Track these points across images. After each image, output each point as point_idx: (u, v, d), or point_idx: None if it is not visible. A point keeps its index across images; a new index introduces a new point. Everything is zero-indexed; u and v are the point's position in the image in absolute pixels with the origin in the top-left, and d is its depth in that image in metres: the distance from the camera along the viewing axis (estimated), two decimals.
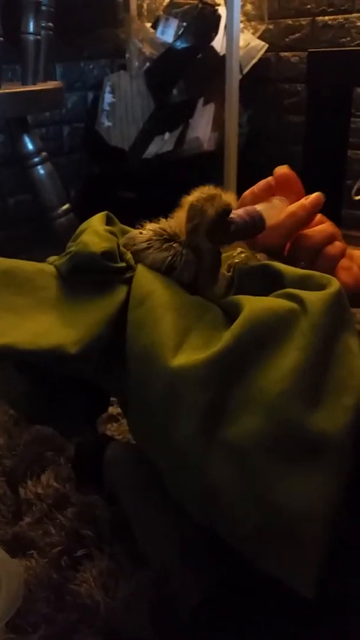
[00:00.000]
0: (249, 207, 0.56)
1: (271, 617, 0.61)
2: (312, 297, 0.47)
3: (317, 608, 0.59)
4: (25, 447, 0.93)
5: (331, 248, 0.58)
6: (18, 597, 0.53)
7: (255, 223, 0.56)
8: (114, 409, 1.02)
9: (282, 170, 0.61)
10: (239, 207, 0.59)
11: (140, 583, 0.67)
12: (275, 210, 0.59)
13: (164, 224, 0.57)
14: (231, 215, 0.54)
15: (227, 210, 0.53)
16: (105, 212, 0.60)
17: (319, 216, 0.61)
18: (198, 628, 0.61)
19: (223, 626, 0.61)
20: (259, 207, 0.57)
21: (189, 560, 0.65)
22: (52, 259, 0.59)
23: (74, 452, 0.89)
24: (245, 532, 0.45)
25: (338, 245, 0.59)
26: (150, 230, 0.57)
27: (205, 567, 0.64)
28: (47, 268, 0.57)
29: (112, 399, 0.98)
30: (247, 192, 0.62)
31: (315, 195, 0.60)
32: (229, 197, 0.54)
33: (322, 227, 0.59)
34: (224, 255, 0.61)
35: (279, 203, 0.60)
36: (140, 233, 0.57)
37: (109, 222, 0.60)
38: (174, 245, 0.55)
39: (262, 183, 0.61)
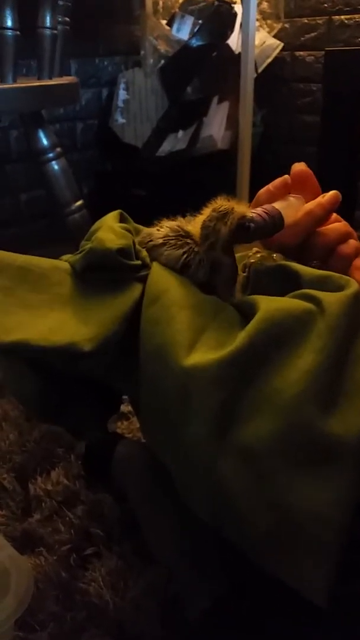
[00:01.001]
0: (268, 206, 0.55)
1: (280, 622, 0.60)
2: (329, 298, 0.47)
3: (327, 613, 0.58)
4: (36, 444, 0.93)
5: (345, 247, 0.57)
6: (28, 594, 0.53)
7: (275, 222, 0.55)
8: (124, 407, 1.02)
9: (299, 167, 0.60)
10: (254, 206, 0.58)
11: (149, 583, 0.67)
12: (292, 209, 0.58)
13: (181, 222, 0.57)
14: (250, 215, 0.53)
15: (241, 224, 0.52)
16: (119, 211, 0.59)
17: (334, 215, 0.60)
18: (206, 632, 0.61)
19: (231, 631, 0.61)
20: (277, 205, 0.57)
21: (198, 563, 0.64)
22: (65, 257, 0.58)
23: (84, 449, 0.89)
24: (256, 537, 0.44)
25: (353, 244, 0.58)
26: (167, 227, 0.56)
27: (213, 570, 0.63)
28: (62, 265, 0.56)
29: (123, 397, 0.98)
30: (262, 190, 0.60)
31: (332, 193, 0.58)
32: (242, 208, 0.53)
33: (336, 225, 0.58)
34: (239, 255, 0.61)
35: (295, 201, 0.59)
36: (158, 230, 0.56)
37: (122, 220, 0.59)
38: (190, 243, 0.55)
39: (278, 181, 0.60)
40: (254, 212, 0.54)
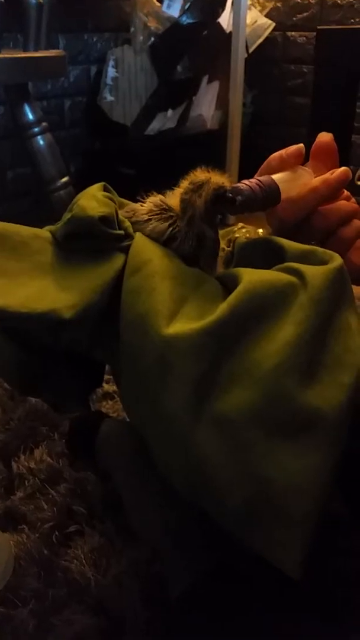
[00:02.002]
0: (264, 177, 0.54)
1: (265, 602, 0.60)
2: (312, 272, 0.46)
3: (310, 593, 0.59)
4: (19, 422, 0.92)
5: (346, 230, 0.55)
6: (8, 570, 0.53)
7: (269, 195, 0.53)
8: (109, 387, 1.02)
9: (325, 138, 0.57)
10: (263, 170, 0.56)
11: (131, 561, 0.67)
12: (298, 182, 0.55)
13: (164, 197, 0.56)
14: (240, 185, 0.52)
15: (226, 196, 0.52)
16: (102, 183, 0.58)
17: (345, 193, 0.57)
18: (188, 610, 0.61)
19: (214, 610, 0.61)
20: (277, 176, 0.55)
21: (181, 541, 0.64)
22: (47, 228, 0.57)
23: (68, 428, 0.88)
24: (231, 507, 0.44)
25: (355, 226, 0.56)
26: (151, 202, 0.56)
27: (196, 549, 0.63)
28: (42, 233, 0.55)
29: (107, 376, 0.98)
30: (275, 155, 0.58)
31: (341, 170, 0.56)
32: (220, 179, 0.52)
33: (340, 205, 0.56)
34: (224, 230, 0.60)
35: (304, 174, 0.56)
36: (141, 205, 0.56)
37: (106, 193, 0.58)
38: (174, 216, 0.54)
39: (292, 149, 0.57)
40: (244, 183, 0.52)
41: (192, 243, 0.53)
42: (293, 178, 0.55)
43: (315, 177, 0.56)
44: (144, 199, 0.56)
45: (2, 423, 0.93)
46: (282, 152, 0.57)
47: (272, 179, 0.54)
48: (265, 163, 0.58)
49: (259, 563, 0.46)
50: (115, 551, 0.69)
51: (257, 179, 0.53)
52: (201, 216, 0.52)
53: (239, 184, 0.53)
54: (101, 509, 0.76)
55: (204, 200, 0.52)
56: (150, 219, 0.54)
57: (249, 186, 0.52)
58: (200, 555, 0.63)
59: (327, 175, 0.56)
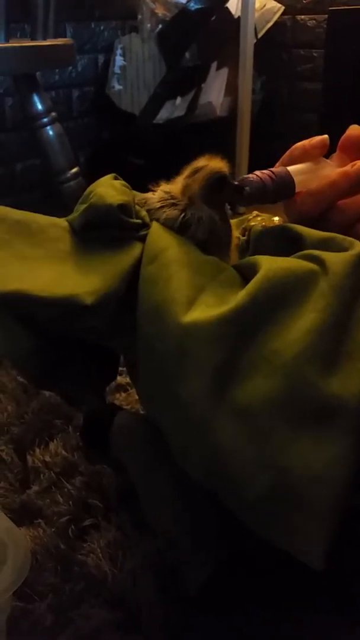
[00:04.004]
0: (279, 168, 0.53)
1: (282, 591, 0.60)
2: (333, 258, 0.45)
3: (327, 585, 0.58)
4: (34, 415, 0.92)
5: None
6: (25, 567, 0.52)
7: (281, 186, 0.52)
8: (122, 379, 1.01)
9: (355, 131, 0.56)
10: (285, 160, 0.55)
11: (147, 554, 0.67)
12: (318, 174, 0.54)
13: (175, 185, 0.56)
14: (249, 176, 0.51)
15: (212, 178, 0.51)
16: (113, 174, 0.58)
17: None
18: (205, 602, 0.60)
19: (231, 601, 0.60)
20: (297, 167, 0.53)
21: (197, 533, 0.64)
22: (64, 218, 0.57)
23: (82, 420, 0.88)
24: (251, 497, 0.43)
25: None
26: (162, 190, 0.56)
27: (213, 541, 0.63)
28: (60, 222, 0.55)
29: (121, 368, 0.97)
30: (298, 145, 0.56)
31: None
32: (218, 165, 0.52)
33: (357, 199, 0.54)
34: (239, 219, 0.60)
35: (326, 166, 0.55)
36: (153, 194, 0.56)
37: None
38: (184, 204, 0.54)
39: (316, 139, 0.56)
40: (255, 174, 0.52)
41: (205, 228, 0.53)
42: (314, 170, 0.54)
43: None
44: (154, 188, 0.56)
45: (16, 416, 0.92)
46: (306, 142, 0.56)
47: (287, 171, 0.53)
48: (287, 152, 0.56)
49: (276, 555, 0.46)
50: (132, 544, 0.69)
51: (270, 170, 0.52)
52: (199, 199, 0.52)
53: (249, 175, 0.52)
54: (116, 502, 0.75)
55: (198, 185, 0.52)
56: (162, 207, 0.54)
57: (260, 177, 0.51)
58: (216, 547, 0.63)
59: (348, 168, 0.54)
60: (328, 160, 0.56)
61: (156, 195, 0.55)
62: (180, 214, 0.53)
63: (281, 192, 0.53)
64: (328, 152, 0.57)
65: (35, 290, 0.48)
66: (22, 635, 0.59)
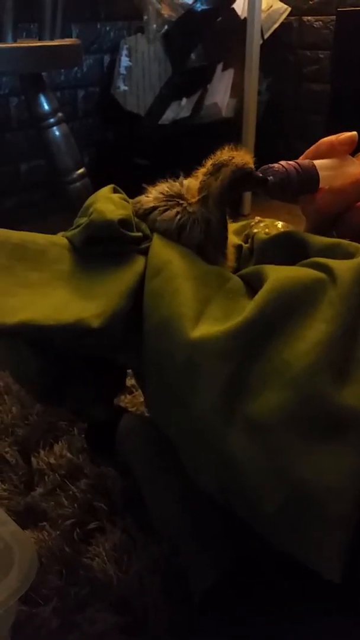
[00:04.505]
0: (304, 161, 0.51)
1: (285, 597, 0.59)
2: (340, 266, 0.45)
3: (338, 591, 0.58)
4: (39, 417, 0.91)
5: None
6: (32, 570, 0.52)
7: (305, 179, 0.51)
8: (128, 380, 1.01)
9: None
10: (310, 154, 0.54)
11: (153, 557, 0.67)
12: (343, 172, 0.52)
13: (171, 184, 0.55)
14: (274, 166, 0.50)
15: (236, 177, 0.50)
16: (112, 185, 0.57)
17: None
18: (211, 606, 0.60)
19: (237, 605, 0.60)
20: (322, 162, 0.51)
21: (202, 536, 0.64)
22: (61, 234, 0.56)
23: (87, 423, 0.88)
24: (266, 511, 0.43)
25: None
26: (157, 190, 0.55)
27: (218, 544, 0.63)
28: (59, 240, 0.54)
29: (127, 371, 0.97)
30: (325, 140, 0.55)
31: None
32: (244, 158, 0.50)
33: None
34: (240, 224, 0.59)
35: (351, 164, 0.53)
36: (147, 196, 0.55)
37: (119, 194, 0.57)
38: (182, 202, 0.53)
39: (345, 135, 0.54)
40: (280, 164, 0.50)
41: (202, 228, 0.52)
42: (339, 166, 0.53)
43: None
44: (150, 188, 0.56)
45: (21, 418, 0.92)
46: (333, 137, 0.55)
47: (313, 164, 0.51)
48: (314, 146, 0.55)
49: (281, 558, 0.45)
50: (137, 548, 0.68)
51: (296, 162, 0.51)
52: (214, 200, 0.51)
53: (273, 165, 0.51)
54: (122, 505, 0.75)
55: (219, 183, 0.50)
56: (155, 207, 0.53)
57: (285, 168, 0.50)
58: (222, 551, 0.62)
59: None
60: (354, 159, 0.54)
61: (151, 196, 0.55)
62: (176, 216, 0.52)
63: (305, 185, 0.51)
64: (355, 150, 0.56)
65: (41, 319, 0.47)
66: (27, 639, 0.59)
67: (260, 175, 0.50)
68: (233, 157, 0.51)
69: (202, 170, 0.53)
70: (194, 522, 0.65)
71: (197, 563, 0.62)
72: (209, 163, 0.52)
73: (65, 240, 0.54)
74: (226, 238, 0.55)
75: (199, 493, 0.49)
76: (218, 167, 0.51)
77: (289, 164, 0.50)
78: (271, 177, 0.49)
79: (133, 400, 0.97)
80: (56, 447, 0.85)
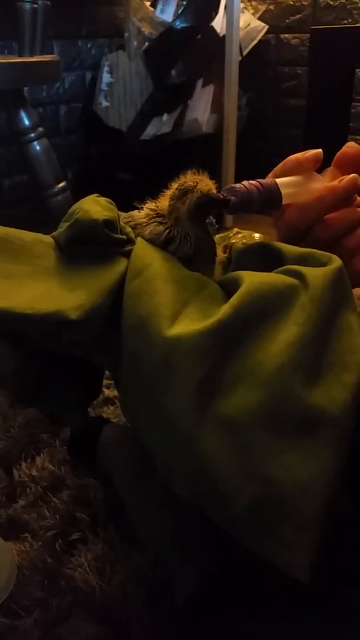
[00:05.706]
0: (267, 180, 0.53)
1: (269, 604, 0.59)
2: (313, 273, 0.46)
3: (319, 594, 0.58)
4: (20, 429, 0.91)
5: (349, 240, 0.55)
6: (11, 580, 0.52)
7: (267, 197, 0.53)
8: (110, 392, 1.01)
9: (351, 149, 0.56)
10: (278, 171, 0.56)
11: (135, 567, 0.66)
12: (307, 188, 0.54)
13: (161, 202, 0.57)
14: (236, 186, 0.52)
15: (201, 203, 0.52)
16: (96, 195, 0.58)
17: (358, 199, 0.56)
18: (195, 616, 0.60)
19: (221, 615, 0.60)
20: (287, 180, 0.54)
21: (186, 546, 0.64)
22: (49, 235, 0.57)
23: (70, 434, 0.88)
24: (237, 510, 0.43)
25: (359, 234, 0.55)
26: (148, 208, 0.56)
27: (202, 554, 0.63)
28: (45, 238, 0.55)
29: (109, 381, 0.97)
30: (292, 157, 0.56)
31: (349, 178, 0.54)
32: (207, 185, 0.53)
33: (343, 215, 0.55)
34: (219, 236, 0.60)
35: (317, 180, 0.55)
36: (139, 212, 0.57)
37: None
38: (173, 221, 0.55)
39: (310, 153, 0.56)
40: (242, 184, 0.52)
41: (190, 244, 0.54)
42: (304, 183, 0.55)
43: None
44: (140, 205, 0.57)
45: (2, 431, 0.92)
46: (300, 155, 0.56)
47: (275, 183, 0.54)
48: (281, 164, 0.57)
49: (266, 566, 0.46)
50: (120, 558, 0.68)
51: (258, 181, 0.53)
52: (186, 220, 0.53)
53: (235, 185, 0.53)
54: (104, 516, 0.75)
55: (187, 207, 0.53)
56: (148, 223, 0.55)
57: (246, 187, 0.52)
58: (205, 559, 0.62)
59: (335, 182, 0.55)
60: (320, 175, 0.56)
61: (142, 212, 0.56)
62: (165, 230, 0.54)
63: (267, 203, 0.53)
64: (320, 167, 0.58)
65: (20, 307, 0.48)
66: None
67: (222, 197, 0.52)
68: (197, 183, 0.53)
69: (169, 192, 0.55)
70: (177, 530, 0.65)
71: (182, 571, 0.62)
72: (174, 187, 0.54)
73: (51, 239, 0.55)
74: (214, 254, 0.56)
75: (181, 502, 0.49)
76: (184, 192, 0.53)
77: (251, 184, 0.53)
78: (233, 198, 0.51)
79: (116, 411, 0.97)
80: (38, 459, 0.85)
